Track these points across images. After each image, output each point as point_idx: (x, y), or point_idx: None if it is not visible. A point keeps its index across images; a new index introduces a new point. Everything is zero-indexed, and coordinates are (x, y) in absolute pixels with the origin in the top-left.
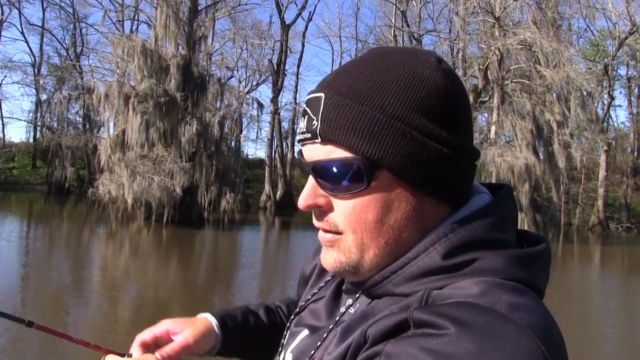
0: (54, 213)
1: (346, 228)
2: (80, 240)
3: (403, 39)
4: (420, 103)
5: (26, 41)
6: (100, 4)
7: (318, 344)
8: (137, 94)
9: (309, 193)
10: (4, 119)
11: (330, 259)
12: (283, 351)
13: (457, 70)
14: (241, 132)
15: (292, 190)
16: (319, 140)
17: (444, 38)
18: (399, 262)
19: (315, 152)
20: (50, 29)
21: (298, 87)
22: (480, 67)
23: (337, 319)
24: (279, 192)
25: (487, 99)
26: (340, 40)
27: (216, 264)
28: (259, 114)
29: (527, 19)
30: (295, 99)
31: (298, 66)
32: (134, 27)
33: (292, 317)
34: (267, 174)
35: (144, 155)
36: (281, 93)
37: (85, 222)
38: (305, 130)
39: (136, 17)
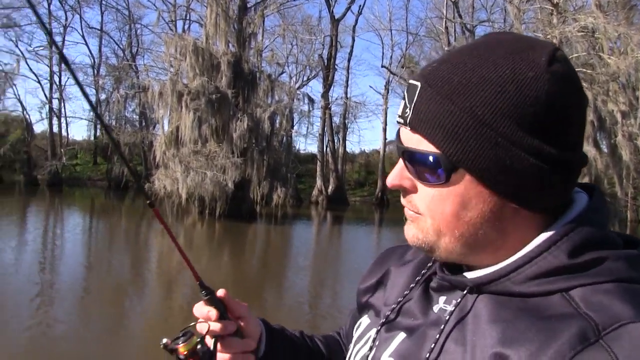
0: (113, 207)
1: (425, 213)
2: (137, 234)
3: (455, 31)
4: (514, 110)
5: (86, 44)
6: (154, 5)
7: (431, 345)
8: (190, 92)
9: (397, 174)
10: (68, 118)
11: (410, 233)
12: (375, 351)
13: None
14: (292, 127)
15: (343, 185)
16: (408, 127)
17: (498, 28)
18: (517, 260)
19: (407, 137)
20: (108, 31)
21: (349, 82)
22: None
23: (444, 318)
24: (330, 187)
25: None
26: (391, 33)
27: (268, 258)
28: (310, 109)
29: (590, 3)
30: (346, 93)
31: (349, 60)
32: (186, 27)
33: (383, 320)
34: (318, 168)
35: (197, 150)
36: (332, 88)
37: (143, 216)
38: (400, 114)
39: (188, 17)
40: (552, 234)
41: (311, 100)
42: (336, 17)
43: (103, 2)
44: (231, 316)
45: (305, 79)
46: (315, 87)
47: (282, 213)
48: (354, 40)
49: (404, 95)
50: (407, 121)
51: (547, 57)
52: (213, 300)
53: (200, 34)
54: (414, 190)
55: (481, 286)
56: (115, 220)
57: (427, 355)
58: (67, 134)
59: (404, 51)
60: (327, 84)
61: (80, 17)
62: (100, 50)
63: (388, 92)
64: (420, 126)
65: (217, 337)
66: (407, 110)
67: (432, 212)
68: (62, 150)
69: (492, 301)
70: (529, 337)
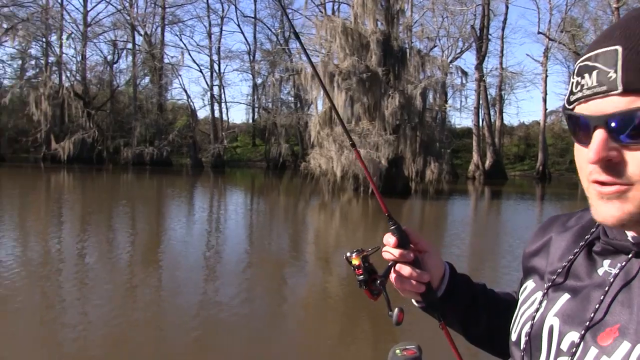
0: (272, 186)
1: (636, 181)
2: (296, 211)
3: None
4: None
5: (242, 32)
6: None
7: (595, 305)
8: (341, 72)
9: (601, 147)
10: (227, 104)
11: (613, 210)
12: (542, 312)
13: None
14: (446, 102)
15: (501, 159)
16: (618, 91)
17: None
18: None
19: (610, 104)
20: (261, 18)
21: (504, 52)
22: None
23: (609, 280)
24: (488, 161)
25: None
26: None
27: (423, 233)
28: (463, 82)
29: None
30: (501, 64)
31: (503, 29)
32: (335, 8)
33: (549, 284)
34: (474, 143)
35: (350, 129)
36: (486, 59)
37: (300, 194)
38: (596, 84)
39: None
40: None
41: (464, 73)
42: None
43: None
44: (414, 248)
45: (458, 51)
46: (469, 60)
47: (437, 189)
48: (507, 7)
49: (592, 67)
50: (617, 85)
51: None
52: (397, 231)
53: (349, 14)
54: (622, 159)
55: None
56: (274, 198)
57: (591, 315)
58: (227, 118)
59: (563, 14)
60: (481, 56)
61: (236, 7)
62: (255, 37)
63: (547, 60)
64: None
65: (394, 262)
66: (611, 74)
67: None
68: (223, 134)
69: None
70: None
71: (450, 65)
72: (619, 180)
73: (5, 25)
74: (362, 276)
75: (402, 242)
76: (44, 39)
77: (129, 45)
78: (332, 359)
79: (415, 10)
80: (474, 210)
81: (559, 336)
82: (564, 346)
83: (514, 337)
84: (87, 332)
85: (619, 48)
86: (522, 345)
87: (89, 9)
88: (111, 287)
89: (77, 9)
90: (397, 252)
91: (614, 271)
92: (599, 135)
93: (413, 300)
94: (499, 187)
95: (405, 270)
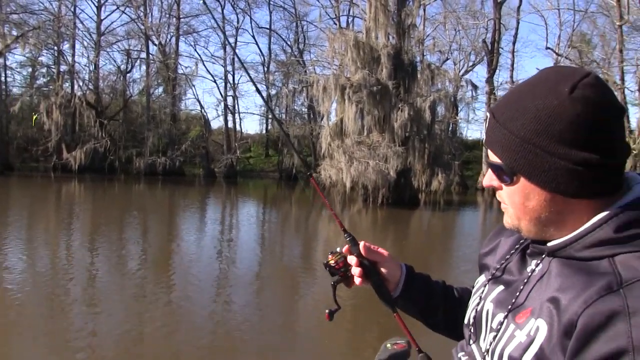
0: (284, 197)
1: (508, 204)
2: (307, 222)
3: (628, 3)
4: (546, 129)
5: (256, 43)
6: (318, 1)
7: (517, 294)
8: (352, 85)
9: (489, 177)
10: (241, 114)
11: (505, 219)
12: (482, 302)
13: None
14: (456, 114)
15: None
16: (486, 145)
17: None
18: (576, 234)
19: (489, 153)
20: (276, 30)
21: (514, 65)
22: None
23: (528, 275)
24: None
25: None
26: (559, 12)
27: (430, 244)
28: (473, 95)
29: None
30: (511, 77)
31: (514, 43)
32: (350, 21)
33: (490, 277)
34: (484, 154)
35: (360, 141)
36: (497, 72)
37: (312, 205)
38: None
39: (351, 12)
40: (604, 215)
41: (474, 87)
42: (499, 0)
43: (271, 2)
44: (367, 258)
45: (470, 64)
46: (481, 73)
47: (446, 200)
48: (518, 22)
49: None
50: (484, 142)
51: (569, 87)
52: (350, 242)
53: (362, 28)
54: (500, 188)
55: (554, 252)
56: (286, 209)
57: (513, 301)
58: (241, 128)
59: (573, 30)
60: (492, 69)
61: (251, 18)
62: (269, 48)
63: None
64: (491, 145)
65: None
66: (484, 134)
67: (511, 203)
68: (236, 144)
69: (560, 263)
70: (575, 287)
71: (462, 79)
72: (502, 201)
73: (15, 33)
74: (333, 274)
75: (353, 252)
76: (55, 47)
77: (143, 55)
78: None
79: (428, 24)
80: (482, 221)
81: (491, 317)
82: (494, 324)
83: (465, 320)
84: (97, 343)
85: (489, 114)
86: (470, 326)
87: (102, 18)
88: (122, 298)
89: (90, 17)
90: (352, 259)
91: (534, 268)
92: (489, 171)
93: None
94: None
95: (356, 271)
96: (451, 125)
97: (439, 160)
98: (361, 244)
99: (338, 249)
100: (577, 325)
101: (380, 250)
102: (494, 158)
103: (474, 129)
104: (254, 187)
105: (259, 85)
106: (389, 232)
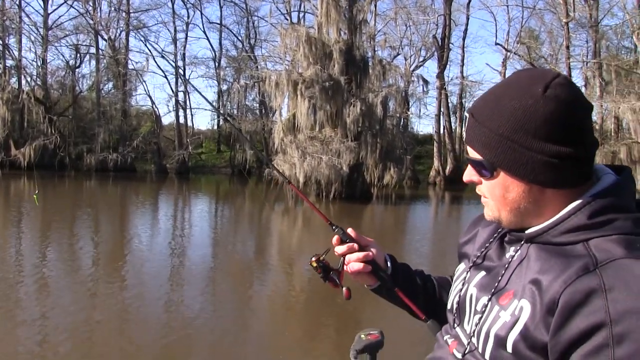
0: (237, 192)
1: (489, 197)
2: (261, 217)
3: (574, 1)
4: (522, 126)
5: (207, 38)
6: None
7: (499, 278)
8: (304, 80)
9: (469, 172)
10: (192, 110)
11: (485, 212)
12: (465, 287)
13: (635, 28)
14: (408, 109)
15: (461, 165)
16: (467, 143)
17: None
18: (553, 221)
19: (469, 150)
20: (227, 25)
21: (464, 61)
22: None
23: (508, 261)
24: (448, 167)
25: None
26: (508, 9)
27: (383, 237)
28: (424, 90)
29: None
30: (462, 72)
31: (464, 39)
32: (301, 17)
33: (471, 265)
34: (435, 149)
35: (313, 136)
36: (448, 68)
37: (265, 200)
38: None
39: (302, 7)
40: (577, 204)
41: (425, 82)
42: None
43: None
44: (357, 243)
45: (420, 60)
46: (432, 68)
47: (398, 194)
48: (468, 18)
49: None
50: (465, 140)
51: (542, 87)
52: (340, 232)
53: (314, 24)
54: (480, 183)
55: (532, 238)
56: (239, 204)
57: (496, 285)
58: (192, 124)
59: (521, 26)
60: (442, 64)
61: (201, 13)
62: (220, 44)
63: (506, 69)
64: (471, 142)
65: (343, 255)
66: (465, 132)
67: (492, 196)
68: (188, 140)
69: (538, 248)
70: (555, 269)
71: (412, 74)
72: (482, 195)
73: None
74: (321, 274)
75: (344, 239)
76: (0, 41)
77: (92, 50)
78: (300, 352)
79: (379, 20)
80: (433, 214)
81: (475, 301)
82: (478, 307)
83: (448, 305)
84: (48, 340)
85: (470, 114)
86: (453, 311)
87: (49, 12)
88: (74, 296)
89: (36, 11)
90: (342, 248)
91: (513, 254)
92: (469, 166)
93: (365, 285)
94: (459, 192)
95: (353, 256)
96: (403, 120)
97: (390, 155)
98: (349, 229)
99: (314, 257)
100: (559, 303)
101: (365, 237)
102: (474, 155)
103: (425, 123)
104: (207, 182)
105: (210, 81)
106: (341, 226)
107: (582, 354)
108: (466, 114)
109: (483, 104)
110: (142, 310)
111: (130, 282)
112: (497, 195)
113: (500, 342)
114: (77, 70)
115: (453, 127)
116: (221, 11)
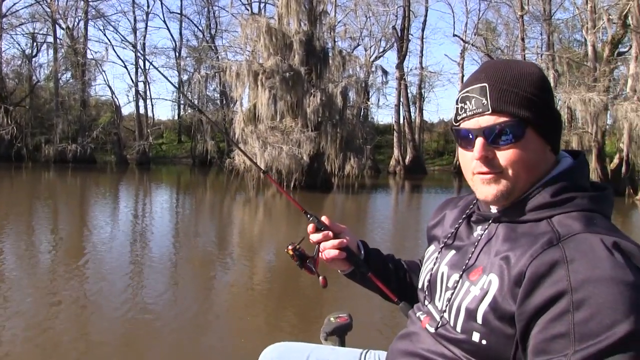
0: (198, 183)
1: (507, 167)
2: (222, 207)
3: None
4: (542, 87)
5: (167, 28)
6: None
7: (469, 256)
8: (265, 71)
9: (482, 148)
10: (152, 100)
11: (492, 190)
12: (437, 264)
13: (584, 23)
14: (368, 99)
15: (421, 155)
16: (489, 112)
17: None
18: (519, 200)
19: (484, 121)
20: (187, 15)
21: (424, 52)
22: (610, 17)
23: (477, 239)
24: (408, 157)
25: (626, 49)
26: (466, 1)
27: (344, 223)
28: (384, 80)
29: None
30: (421, 63)
31: (422, 30)
32: (262, 7)
33: (442, 245)
34: (395, 139)
35: (274, 126)
36: (407, 58)
37: (226, 191)
38: (475, 107)
39: None
40: (541, 183)
41: (385, 72)
42: None
43: None
44: (331, 230)
45: (380, 51)
46: (392, 59)
47: (359, 183)
48: (427, 9)
49: (470, 97)
50: (488, 107)
51: (539, 67)
52: (315, 220)
53: (274, 14)
54: (494, 156)
55: (499, 218)
56: (200, 195)
57: (467, 262)
58: (153, 114)
59: (478, 18)
60: (402, 55)
61: (162, 3)
62: (180, 34)
63: (464, 60)
64: (500, 106)
65: (318, 243)
66: (484, 101)
67: (512, 163)
68: (148, 130)
69: (505, 227)
70: (522, 245)
71: (372, 65)
72: (493, 170)
73: None
74: (297, 262)
75: (319, 227)
76: None
77: (50, 39)
78: (264, 335)
79: (340, 10)
80: (394, 202)
81: (447, 278)
82: (450, 284)
83: (419, 285)
84: (5, 338)
85: (486, 85)
86: (424, 289)
87: None
88: (32, 291)
89: None
90: (317, 236)
91: (481, 232)
92: (479, 141)
93: (339, 270)
94: (419, 181)
95: (328, 244)
96: (363, 110)
97: (351, 145)
98: (323, 217)
99: (290, 245)
100: (526, 275)
101: (338, 225)
102: (500, 119)
103: (385, 113)
104: (168, 173)
105: (171, 71)
106: (302, 215)
107: (546, 319)
108: (479, 85)
109: (499, 74)
110: (102, 302)
111: (89, 275)
112: (522, 161)
113: (471, 314)
114: (34, 59)
115: (412, 117)
116: (181, 1)
